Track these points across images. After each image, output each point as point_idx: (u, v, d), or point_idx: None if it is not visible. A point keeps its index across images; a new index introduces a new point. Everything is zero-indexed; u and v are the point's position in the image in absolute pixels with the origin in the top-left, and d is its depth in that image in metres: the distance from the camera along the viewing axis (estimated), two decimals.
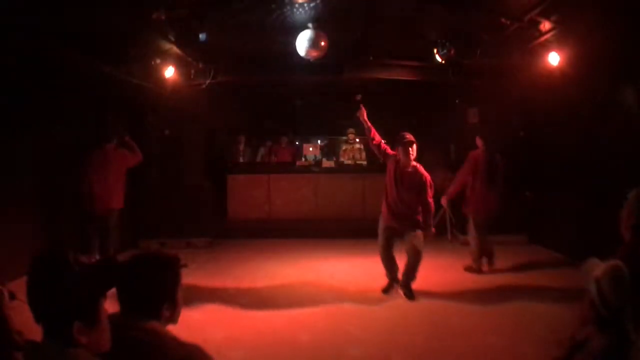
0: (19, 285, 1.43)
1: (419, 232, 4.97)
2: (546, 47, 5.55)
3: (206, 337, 3.44)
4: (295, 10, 5.14)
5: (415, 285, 5.07)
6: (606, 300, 1.88)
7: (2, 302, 2.13)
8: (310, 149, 10.22)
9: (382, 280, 5.28)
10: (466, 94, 7.81)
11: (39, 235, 5.50)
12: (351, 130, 9.63)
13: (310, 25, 5.44)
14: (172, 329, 1.68)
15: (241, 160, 9.73)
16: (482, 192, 5.81)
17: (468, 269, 5.99)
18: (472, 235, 5.96)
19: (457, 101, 8.24)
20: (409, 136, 4.94)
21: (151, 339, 1.56)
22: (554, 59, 5.53)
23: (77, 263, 1.40)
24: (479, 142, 5.96)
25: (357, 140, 9.73)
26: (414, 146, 4.89)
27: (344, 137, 10.09)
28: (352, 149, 9.71)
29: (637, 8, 4.28)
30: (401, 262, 5.12)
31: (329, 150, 10.82)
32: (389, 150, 5.08)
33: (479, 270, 5.91)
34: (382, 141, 5.12)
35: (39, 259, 1.40)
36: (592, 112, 5.84)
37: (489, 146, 5.89)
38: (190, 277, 5.35)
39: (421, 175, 4.94)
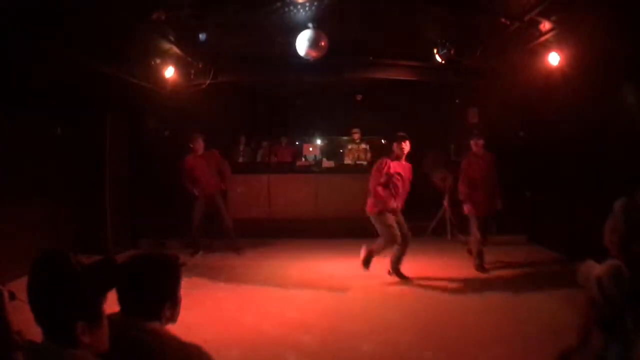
0: (19, 286, 1.42)
1: None
2: (546, 47, 5.55)
3: (206, 337, 3.43)
4: (295, 10, 5.14)
5: (418, 285, 5.07)
6: (609, 298, 1.87)
7: (2, 302, 2.12)
8: (310, 149, 10.22)
9: (382, 279, 5.29)
10: (466, 94, 7.81)
11: (40, 235, 5.50)
12: (355, 130, 9.59)
13: (310, 25, 5.44)
14: (172, 328, 1.68)
15: (241, 160, 9.73)
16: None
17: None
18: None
19: (457, 101, 8.24)
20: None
21: (152, 339, 1.56)
22: (554, 59, 5.53)
23: (79, 263, 1.40)
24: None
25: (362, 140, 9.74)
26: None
27: (347, 137, 10.07)
28: (358, 149, 9.67)
29: (637, 8, 4.28)
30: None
31: (329, 150, 10.81)
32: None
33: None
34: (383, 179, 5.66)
35: (41, 259, 1.40)
36: (592, 112, 5.84)
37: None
38: (189, 277, 5.34)
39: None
